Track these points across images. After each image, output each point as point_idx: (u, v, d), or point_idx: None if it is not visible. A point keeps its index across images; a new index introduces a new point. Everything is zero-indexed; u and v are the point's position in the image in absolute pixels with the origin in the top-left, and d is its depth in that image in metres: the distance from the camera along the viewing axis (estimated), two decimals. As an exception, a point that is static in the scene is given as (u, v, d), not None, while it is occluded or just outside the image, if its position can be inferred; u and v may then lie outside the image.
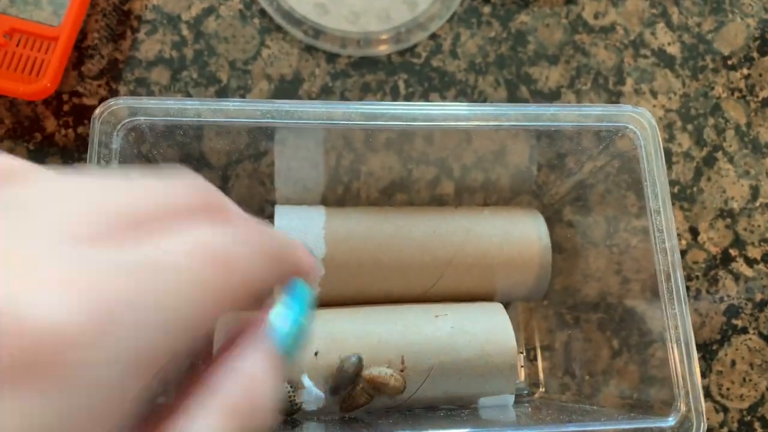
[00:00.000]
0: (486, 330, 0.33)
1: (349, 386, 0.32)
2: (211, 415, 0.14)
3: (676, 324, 0.30)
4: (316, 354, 0.32)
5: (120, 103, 0.28)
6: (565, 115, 0.32)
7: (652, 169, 0.31)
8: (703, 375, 0.43)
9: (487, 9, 0.48)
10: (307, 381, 0.32)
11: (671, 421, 0.28)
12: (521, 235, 0.37)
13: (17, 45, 0.41)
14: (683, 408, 0.28)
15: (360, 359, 0.32)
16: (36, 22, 0.41)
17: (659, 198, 0.31)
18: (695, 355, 0.30)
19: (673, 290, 0.30)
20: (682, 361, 0.29)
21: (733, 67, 0.49)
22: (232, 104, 0.30)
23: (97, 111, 0.28)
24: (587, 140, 0.35)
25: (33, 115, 0.42)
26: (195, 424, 0.14)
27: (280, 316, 0.17)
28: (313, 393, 0.31)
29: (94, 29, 0.43)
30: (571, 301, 0.42)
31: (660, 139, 0.32)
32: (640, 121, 0.32)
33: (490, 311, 0.35)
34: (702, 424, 0.28)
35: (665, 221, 0.31)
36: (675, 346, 0.30)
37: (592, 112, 0.32)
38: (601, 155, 0.37)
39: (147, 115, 0.28)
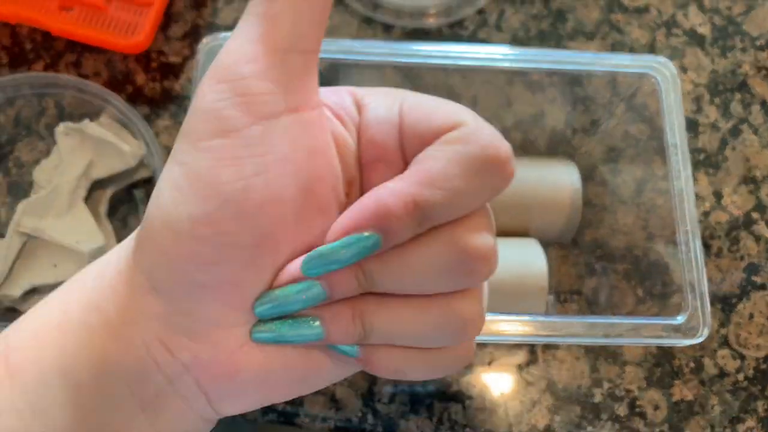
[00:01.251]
0: (520, 255, 0.38)
1: None
2: None
3: (686, 229, 0.33)
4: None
5: (220, 38, 0.33)
6: (592, 60, 0.36)
7: (671, 110, 0.35)
8: (722, 325, 0.46)
9: (530, -11, 0.52)
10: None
11: (680, 319, 0.31)
12: (555, 179, 0.41)
13: (116, 10, 0.47)
14: (691, 308, 0.31)
15: None
16: (132, -11, 0.47)
17: (676, 134, 0.34)
18: (702, 257, 0.33)
19: (686, 212, 0.34)
20: (689, 263, 0.33)
21: (761, 48, 0.52)
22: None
23: (204, 40, 0.33)
24: (612, 88, 0.39)
25: (126, 69, 0.48)
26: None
27: None
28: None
29: (180, -2, 0.49)
30: (600, 252, 0.46)
31: (680, 84, 0.36)
32: (661, 69, 0.36)
33: (525, 242, 0.39)
34: (708, 323, 0.31)
35: (681, 155, 0.35)
36: (684, 249, 0.33)
37: (619, 61, 0.36)
38: (627, 112, 0.41)
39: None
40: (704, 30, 0.52)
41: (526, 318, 0.30)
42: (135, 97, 0.47)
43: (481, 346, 0.43)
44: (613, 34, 0.52)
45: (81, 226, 0.40)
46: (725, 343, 0.46)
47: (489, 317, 0.30)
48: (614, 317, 0.32)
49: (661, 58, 0.36)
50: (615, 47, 0.51)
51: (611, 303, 0.45)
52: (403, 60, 0.35)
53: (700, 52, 0.52)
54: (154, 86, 0.47)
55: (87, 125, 0.41)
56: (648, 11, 0.53)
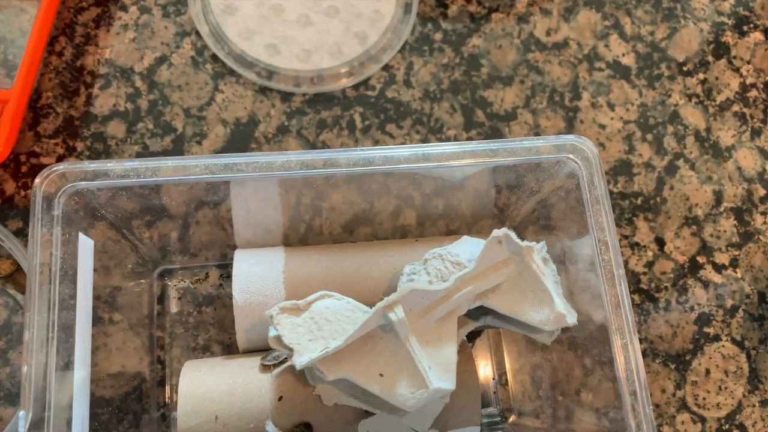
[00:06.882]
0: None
1: None
2: None
3: (627, 354, 0.30)
4: (280, 399, 0.32)
5: (61, 168, 0.28)
6: (506, 150, 0.32)
7: (595, 198, 0.31)
8: (678, 386, 0.43)
9: (438, 35, 0.48)
10: (270, 427, 0.32)
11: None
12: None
13: (-29, 110, 0.41)
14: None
15: (310, 426, 0.32)
16: (-12, 87, 0.42)
17: (606, 228, 0.31)
18: (645, 383, 0.30)
19: (623, 319, 0.30)
20: (633, 393, 0.29)
21: (689, 73, 0.49)
22: (171, 162, 0.30)
23: (37, 180, 0.28)
24: (533, 170, 0.35)
25: (-8, 178, 0.42)
26: None
27: None
28: (276, 440, 0.31)
29: (48, 88, 0.44)
30: (541, 322, 0.42)
31: (602, 166, 0.32)
32: (582, 149, 0.32)
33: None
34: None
35: (612, 250, 0.31)
36: (625, 377, 0.30)
37: (534, 145, 0.32)
38: (548, 182, 0.37)
39: (87, 179, 0.28)
40: (628, 60, 0.49)
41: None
42: (5, 210, 0.41)
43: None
44: (532, 76, 0.48)
45: None
46: (684, 406, 0.42)
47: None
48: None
49: (580, 138, 0.32)
50: (535, 90, 0.48)
51: (557, 378, 0.41)
52: (297, 173, 0.30)
53: (626, 85, 0.48)
54: (26, 194, 0.42)
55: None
56: (567, 45, 0.49)
